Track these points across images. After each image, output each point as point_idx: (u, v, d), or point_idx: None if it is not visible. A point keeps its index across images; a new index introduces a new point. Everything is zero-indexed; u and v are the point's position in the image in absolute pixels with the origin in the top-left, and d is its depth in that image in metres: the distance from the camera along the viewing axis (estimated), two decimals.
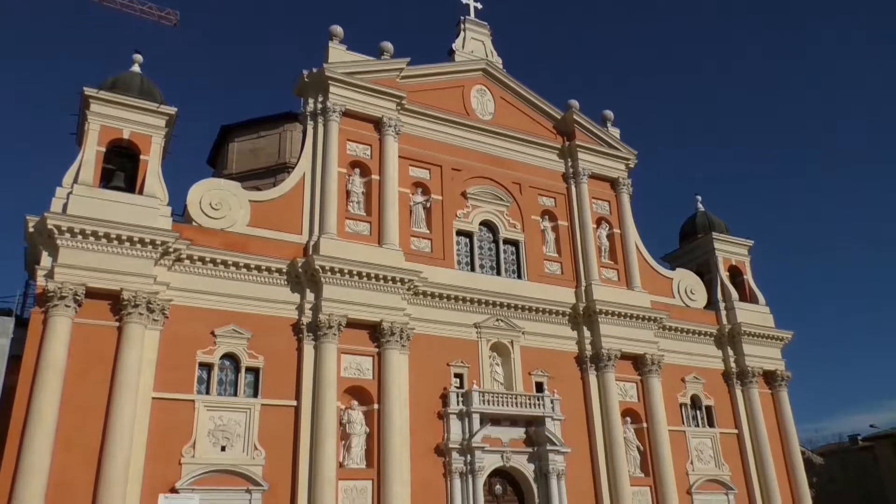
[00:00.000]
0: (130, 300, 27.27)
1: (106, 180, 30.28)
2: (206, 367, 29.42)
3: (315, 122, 35.50)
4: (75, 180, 28.50)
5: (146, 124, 30.73)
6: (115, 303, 27.48)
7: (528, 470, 34.47)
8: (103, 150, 29.86)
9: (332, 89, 35.55)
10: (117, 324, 27.35)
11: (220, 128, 48.26)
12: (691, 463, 39.76)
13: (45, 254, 27.13)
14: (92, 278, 27.05)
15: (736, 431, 42.37)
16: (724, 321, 44.17)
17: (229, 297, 30.47)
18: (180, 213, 31.62)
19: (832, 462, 77.18)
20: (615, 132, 45.17)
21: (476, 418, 33.22)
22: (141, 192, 29.74)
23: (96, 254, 27.40)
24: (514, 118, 42.49)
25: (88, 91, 29.81)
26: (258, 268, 31.22)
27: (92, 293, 27.07)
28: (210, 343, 29.50)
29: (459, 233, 38.19)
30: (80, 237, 27.18)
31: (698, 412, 42.09)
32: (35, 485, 23.75)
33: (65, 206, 27.60)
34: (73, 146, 31.65)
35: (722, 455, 41.10)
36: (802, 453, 47.34)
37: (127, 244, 27.91)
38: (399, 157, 36.80)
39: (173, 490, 26.14)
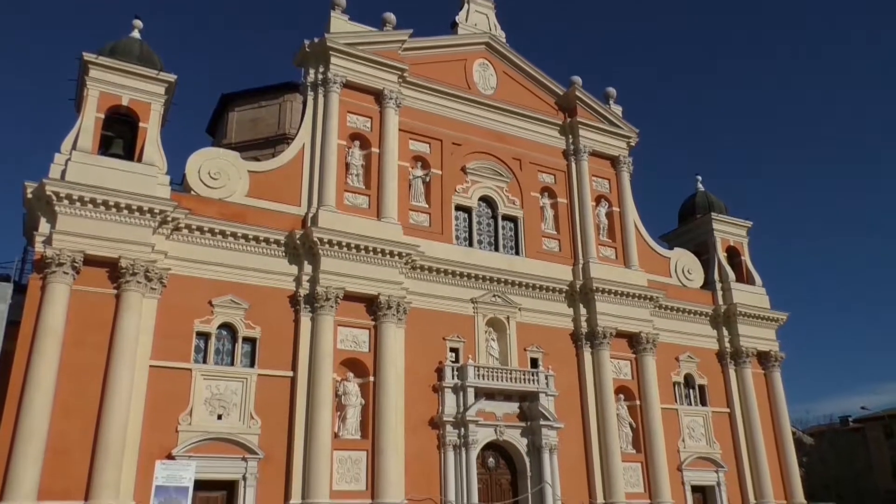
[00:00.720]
0: (128, 268, 27.31)
1: (105, 147, 30.09)
2: (204, 336, 29.56)
3: (315, 93, 35.25)
4: (74, 147, 28.34)
5: (145, 91, 30.50)
6: (114, 270, 27.50)
7: (521, 444, 34.85)
8: (102, 116, 29.64)
9: (333, 60, 35.24)
10: (115, 291, 27.42)
11: (219, 96, 47.96)
12: (683, 440, 40.21)
13: (43, 220, 27.08)
14: (90, 245, 27.04)
15: (728, 410, 42.78)
16: (721, 301, 44.35)
17: (227, 268, 30.52)
18: (179, 182, 31.55)
19: (822, 442, 78.11)
20: (617, 110, 44.91)
21: (471, 392, 33.52)
22: (140, 160, 29.60)
23: (94, 221, 27.36)
24: (516, 93, 42.22)
25: (87, 56, 29.52)
26: (256, 239, 31.23)
27: (90, 260, 27.08)
28: (208, 312, 29.62)
29: (458, 208, 38.17)
30: (78, 204, 27.10)
31: (691, 391, 42.45)
32: (33, 449, 23.99)
33: (63, 173, 27.47)
34: (72, 112, 31.50)
35: (713, 433, 41.55)
36: (793, 433, 47.85)
37: (125, 212, 27.86)
38: (399, 130, 36.61)
39: (170, 457, 26.37)
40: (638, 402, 39.01)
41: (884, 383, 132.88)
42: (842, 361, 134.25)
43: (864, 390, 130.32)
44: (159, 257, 28.56)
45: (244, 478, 28.08)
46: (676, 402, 41.19)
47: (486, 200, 39.32)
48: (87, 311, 26.76)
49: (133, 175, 28.69)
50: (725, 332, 44.22)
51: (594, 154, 42.93)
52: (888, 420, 73.72)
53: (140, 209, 28.02)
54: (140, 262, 27.55)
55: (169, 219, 29.04)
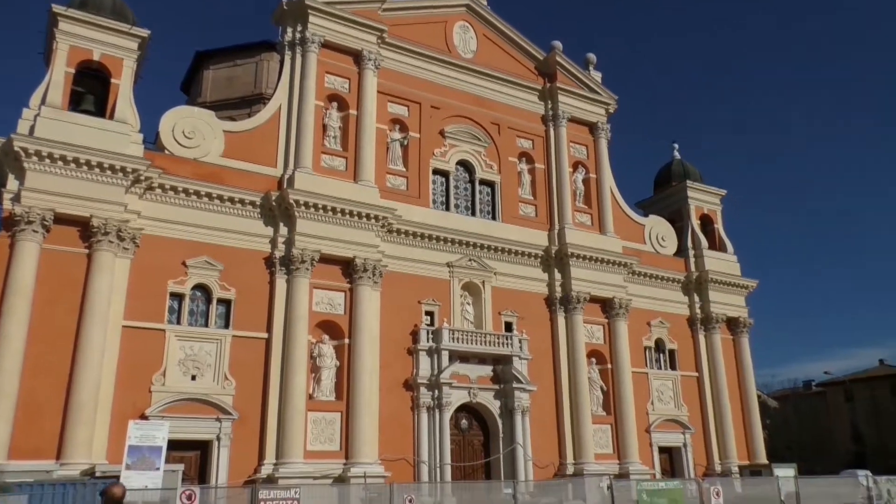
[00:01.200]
0: (100, 227, 26.95)
1: (75, 103, 29.39)
2: (178, 297, 29.42)
3: (293, 52, 34.64)
4: (43, 102, 27.67)
5: (117, 46, 29.75)
6: (85, 229, 27.14)
7: (494, 406, 35.42)
8: (72, 71, 28.89)
9: (311, 19, 34.58)
10: (87, 251, 27.07)
11: (194, 54, 46.92)
12: (652, 403, 41.11)
13: (11, 177, 26.49)
14: (60, 203, 26.60)
15: (696, 374, 43.73)
16: (693, 268, 45.01)
17: (202, 228, 30.25)
18: (152, 141, 31.05)
19: (786, 406, 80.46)
20: (597, 76, 44.79)
21: (445, 355, 33.88)
22: (111, 118, 29.01)
23: (65, 179, 26.87)
24: (496, 57, 41.85)
25: (57, 9, 28.64)
26: (231, 199, 30.93)
27: (60, 219, 26.67)
28: (182, 273, 29.43)
29: (436, 172, 38.05)
30: (47, 161, 26.58)
31: (661, 355, 43.27)
32: (3, 408, 23.84)
33: (32, 129, 26.85)
34: (41, 66, 30.68)
35: (682, 396, 42.51)
36: (758, 397, 49.16)
37: (97, 170, 27.38)
38: (378, 92, 36.20)
39: (143, 416, 26.35)
40: (609, 366, 39.72)
41: (847, 349, 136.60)
42: (807, 328, 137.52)
43: (828, 356, 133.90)
44: (132, 217, 28.20)
45: (218, 438, 28.27)
46: (647, 366, 42.01)
47: (464, 165, 39.23)
48: (57, 270, 26.43)
49: (105, 132, 28.13)
50: (696, 299, 44.99)
51: (573, 120, 42.91)
52: (849, 385, 75.99)
53: (112, 167, 27.55)
54: (112, 221, 27.19)
55: (142, 178, 28.60)
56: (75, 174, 27.07)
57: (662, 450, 40.96)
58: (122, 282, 27.65)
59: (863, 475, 32.69)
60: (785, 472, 32.49)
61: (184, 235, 29.80)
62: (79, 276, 26.67)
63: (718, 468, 41.58)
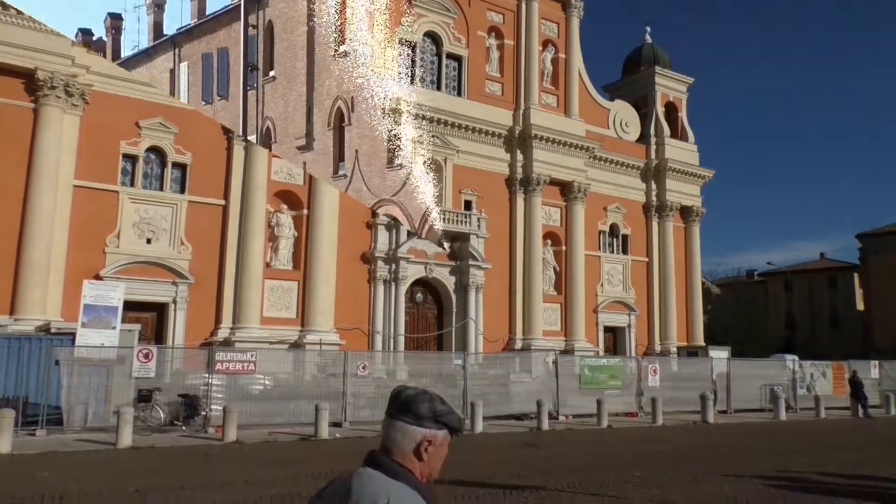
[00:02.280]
0: (46, 81, 25.68)
1: None
2: (131, 158, 28.67)
3: None
4: None
5: None
6: (30, 82, 25.87)
7: (450, 282, 36.22)
8: None
9: None
10: (33, 105, 25.92)
11: None
12: (601, 285, 42.49)
13: None
14: (2, 53, 25.11)
15: (646, 260, 45.04)
16: (653, 156, 45.27)
17: (155, 88, 29.01)
18: None
19: (728, 293, 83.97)
20: None
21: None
22: None
23: (6, 26, 25.23)
24: None
25: None
26: None
27: (3, 69, 25.27)
28: (134, 134, 28.51)
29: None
30: None
31: (615, 240, 44.27)
32: None
33: None
34: None
35: (630, 280, 43.97)
36: (703, 284, 51.12)
37: None
38: None
39: (98, 277, 26.26)
40: (563, 248, 40.57)
41: (792, 242, 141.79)
42: (756, 220, 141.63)
43: (773, 248, 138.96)
44: (80, 71, 26.87)
45: (174, 301, 28.55)
46: (600, 249, 43.02)
47: (431, 36, 37.85)
48: (1, 123, 25.31)
49: None
50: (654, 186, 45.55)
51: None
52: (789, 276, 79.44)
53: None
54: (59, 75, 25.89)
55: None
56: (17, 22, 25.41)
57: (608, 329, 42.80)
58: (71, 140, 26.72)
59: (790, 359, 34.76)
60: (719, 354, 34.37)
61: (136, 94, 28.60)
62: (25, 131, 25.67)
63: (658, 348, 43.73)
